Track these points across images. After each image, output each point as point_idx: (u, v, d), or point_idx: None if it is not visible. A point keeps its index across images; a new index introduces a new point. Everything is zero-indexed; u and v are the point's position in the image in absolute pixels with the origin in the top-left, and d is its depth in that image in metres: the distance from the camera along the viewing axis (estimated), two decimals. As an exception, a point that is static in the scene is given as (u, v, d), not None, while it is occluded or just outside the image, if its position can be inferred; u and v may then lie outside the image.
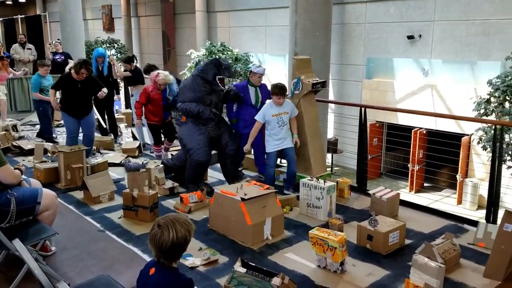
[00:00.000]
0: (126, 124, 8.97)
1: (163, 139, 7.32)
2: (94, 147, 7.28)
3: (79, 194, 5.71)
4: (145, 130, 7.75)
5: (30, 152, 7.28)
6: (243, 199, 4.36)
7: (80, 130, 6.90)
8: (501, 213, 4.41)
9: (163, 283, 2.26)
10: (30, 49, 13.30)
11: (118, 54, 18.31)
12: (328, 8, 7.12)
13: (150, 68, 7.88)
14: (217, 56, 13.10)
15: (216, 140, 5.78)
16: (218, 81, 5.53)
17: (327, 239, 3.79)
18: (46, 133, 8.30)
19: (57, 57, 11.45)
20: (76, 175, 5.96)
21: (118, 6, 21.96)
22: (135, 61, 8.51)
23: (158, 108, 6.89)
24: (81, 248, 4.36)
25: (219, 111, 5.84)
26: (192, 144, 5.61)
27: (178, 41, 19.27)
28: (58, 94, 7.02)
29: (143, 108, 6.96)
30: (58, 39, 11.79)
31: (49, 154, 7.19)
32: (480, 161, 10.06)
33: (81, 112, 6.72)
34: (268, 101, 5.74)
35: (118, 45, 18.72)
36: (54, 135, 8.53)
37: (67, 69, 11.19)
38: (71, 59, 11.37)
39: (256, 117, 5.59)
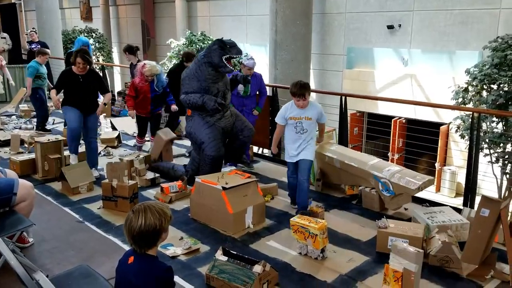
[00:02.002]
0: (105, 114, 8.85)
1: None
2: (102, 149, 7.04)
3: (57, 185, 5.63)
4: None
5: (7, 143, 7.13)
6: (224, 188, 4.35)
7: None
8: (478, 200, 4.49)
9: (142, 271, 2.23)
10: (4, 38, 12.96)
11: (97, 44, 18.01)
12: (309, -4, 7.10)
13: (130, 49, 7.71)
14: (197, 46, 12.98)
15: (227, 131, 5.39)
16: (225, 62, 5.09)
17: (308, 226, 3.81)
18: (44, 120, 8.27)
19: (33, 46, 11.19)
20: (53, 166, 5.87)
21: (96, -5, 21.58)
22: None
23: (146, 101, 6.60)
24: (59, 239, 4.30)
25: (227, 100, 5.42)
26: (202, 138, 5.22)
27: (158, 30, 19.03)
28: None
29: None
30: (33, 28, 11.52)
31: (26, 145, 7.06)
32: (458, 149, 10.21)
33: (86, 109, 5.89)
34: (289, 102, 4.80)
35: (96, 34, 18.38)
36: (31, 125, 8.38)
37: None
38: (48, 48, 11.12)
39: (276, 119, 4.81)
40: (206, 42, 13.23)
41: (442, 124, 10.56)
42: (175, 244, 4.11)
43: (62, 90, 5.93)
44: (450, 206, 4.73)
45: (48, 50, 8.67)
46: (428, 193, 8.91)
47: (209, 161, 5.19)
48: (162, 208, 2.31)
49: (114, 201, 4.87)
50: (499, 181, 8.04)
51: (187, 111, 5.44)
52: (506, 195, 5.86)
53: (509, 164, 7.71)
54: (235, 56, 5.13)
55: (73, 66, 5.80)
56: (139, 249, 2.27)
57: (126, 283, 2.27)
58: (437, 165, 10.55)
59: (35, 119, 8.99)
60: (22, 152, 6.75)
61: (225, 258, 3.57)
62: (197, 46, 13.11)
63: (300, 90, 4.51)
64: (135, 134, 7.30)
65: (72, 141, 5.95)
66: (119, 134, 7.53)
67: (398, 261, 3.34)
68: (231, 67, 5.14)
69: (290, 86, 4.59)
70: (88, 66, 5.80)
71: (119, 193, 4.81)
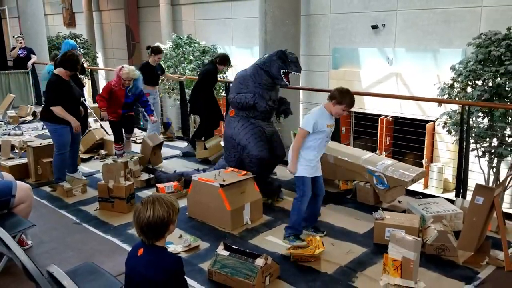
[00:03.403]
0: (95, 118, 8.81)
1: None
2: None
3: (50, 189, 5.60)
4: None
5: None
6: (221, 185, 4.39)
7: None
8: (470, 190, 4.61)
9: (152, 262, 2.26)
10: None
11: (81, 49, 17.89)
12: (297, -4, 7.21)
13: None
14: (183, 49, 13.00)
15: (267, 139, 5.12)
16: (283, 75, 4.92)
17: (311, 254, 3.79)
18: None
19: (19, 52, 11.10)
20: (47, 170, 5.84)
21: (79, 0, 21.45)
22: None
23: (117, 105, 6.29)
24: (58, 241, 4.30)
25: (275, 107, 5.25)
26: (247, 139, 4.99)
27: (143, 35, 18.98)
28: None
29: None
30: (20, 34, 11.44)
31: (17, 151, 7.01)
32: (444, 146, 10.39)
33: (77, 115, 5.50)
34: (318, 107, 4.19)
35: (80, 40, 18.27)
36: (20, 131, 8.32)
37: (29, 64, 10.95)
38: (34, 54, 11.08)
39: (303, 126, 4.06)
40: (192, 45, 13.25)
41: (428, 121, 10.74)
42: (174, 242, 4.13)
43: None
44: (444, 198, 4.83)
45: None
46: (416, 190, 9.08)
47: (256, 161, 4.97)
48: (171, 200, 2.35)
49: (110, 202, 4.87)
50: (486, 175, 8.20)
51: (230, 112, 5.24)
52: (498, 183, 6.00)
53: (496, 158, 7.88)
54: (292, 72, 4.95)
55: (59, 72, 5.30)
56: (147, 240, 2.31)
57: (136, 275, 2.30)
58: (424, 162, 10.71)
59: (23, 125, 8.93)
60: (12, 158, 6.69)
61: (226, 253, 3.61)
62: (184, 49, 13.12)
63: (352, 100, 4.03)
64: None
65: (63, 167, 5.57)
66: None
67: (397, 250, 3.42)
68: (287, 82, 4.97)
69: (337, 93, 4.00)
70: None
71: (115, 194, 4.82)
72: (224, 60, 6.74)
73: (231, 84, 5.28)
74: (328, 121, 4.07)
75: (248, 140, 4.99)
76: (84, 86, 6.56)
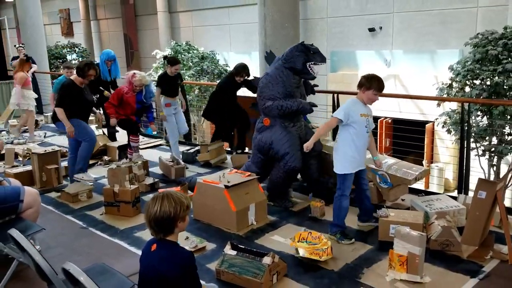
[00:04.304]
0: (96, 125, 8.86)
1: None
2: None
3: (56, 195, 5.64)
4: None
5: (1, 157, 7.10)
6: (226, 187, 4.44)
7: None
8: (471, 187, 4.66)
9: (165, 256, 2.32)
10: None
11: (80, 58, 17.99)
12: (295, 0, 7.29)
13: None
14: (183, 56, 13.08)
15: (302, 141, 4.91)
16: (309, 68, 4.81)
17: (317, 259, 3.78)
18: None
19: (19, 62, 11.16)
20: (52, 176, 5.89)
21: (77, 10, 21.59)
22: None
23: (129, 112, 6.40)
24: (65, 245, 4.34)
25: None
26: (286, 149, 4.85)
27: (141, 43, 19.10)
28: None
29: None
30: (22, 44, 11.52)
31: (20, 159, 7.06)
32: (444, 146, 10.46)
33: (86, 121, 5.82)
34: (351, 98, 4.18)
35: (79, 49, 18.39)
36: (22, 140, 8.36)
37: (29, 73, 10.99)
38: (35, 63, 11.12)
39: (334, 114, 4.14)
40: (191, 52, 13.34)
41: (427, 122, 10.81)
42: (181, 244, 4.11)
43: None
44: (446, 194, 4.89)
45: (72, 64, 8.38)
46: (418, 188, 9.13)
47: (291, 172, 4.89)
48: (180, 197, 2.39)
49: (116, 206, 4.91)
50: (486, 174, 8.27)
51: (264, 121, 5.04)
52: (501, 177, 6.05)
53: (496, 157, 7.94)
54: (319, 63, 4.86)
55: (75, 78, 5.54)
56: (155, 234, 2.38)
57: (150, 270, 2.34)
58: (424, 162, 10.77)
59: (26, 134, 8.97)
60: (16, 166, 6.73)
61: (234, 252, 3.65)
62: (182, 56, 13.21)
63: (381, 84, 4.01)
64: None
65: (89, 155, 5.87)
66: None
67: (402, 245, 3.47)
68: (315, 75, 4.89)
69: (363, 80, 4.02)
70: None
71: (121, 198, 4.86)
72: (240, 70, 6.50)
73: (258, 93, 5.12)
74: (361, 110, 4.04)
75: (287, 150, 4.86)
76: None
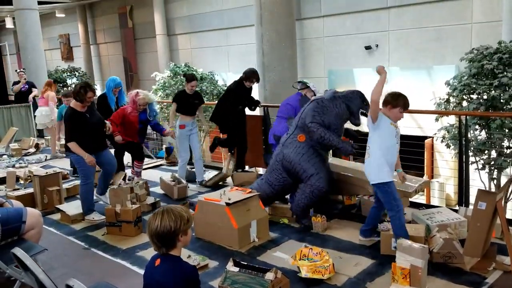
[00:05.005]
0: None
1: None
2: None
3: (57, 216, 5.66)
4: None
5: (2, 181, 7.13)
6: (227, 204, 4.45)
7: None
8: (472, 199, 4.67)
9: (168, 270, 2.33)
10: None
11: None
12: (292, 20, 7.42)
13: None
14: (182, 77, 13.19)
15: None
16: (360, 115, 4.97)
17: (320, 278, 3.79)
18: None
19: (21, 87, 11.28)
20: (53, 198, 5.90)
21: (76, 35, 21.86)
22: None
23: (133, 131, 6.27)
24: (68, 266, 4.34)
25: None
26: (317, 169, 4.83)
27: (140, 65, 19.28)
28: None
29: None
30: (23, 69, 11.65)
31: (22, 182, 7.08)
32: (444, 161, 10.48)
33: (98, 147, 5.45)
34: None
35: (79, 73, 18.55)
36: (24, 163, 8.40)
37: (30, 97, 11.11)
38: (35, 87, 11.26)
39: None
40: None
41: (426, 137, 10.86)
42: (184, 262, 4.16)
43: None
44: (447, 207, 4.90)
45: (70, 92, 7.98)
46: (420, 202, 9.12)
47: (319, 193, 4.84)
48: (180, 211, 2.41)
49: (118, 226, 4.91)
50: (487, 188, 8.26)
51: (299, 137, 4.94)
52: (500, 188, 6.05)
53: (495, 170, 7.95)
54: (365, 112, 4.92)
55: (74, 105, 5.25)
56: (158, 249, 2.40)
57: (153, 284, 2.36)
58: (425, 178, 10.77)
59: (26, 157, 9.01)
60: (18, 189, 6.74)
61: (236, 269, 3.64)
62: (181, 77, 13.33)
63: (407, 103, 4.09)
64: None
65: (90, 196, 5.48)
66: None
67: (404, 258, 3.47)
68: (360, 122, 5.01)
69: (390, 98, 4.08)
70: None
71: (123, 218, 4.87)
72: (249, 75, 6.30)
73: (305, 108, 5.03)
74: (392, 121, 4.08)
75: (317, 171, 4.82)
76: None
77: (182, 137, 6.61)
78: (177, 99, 6.59)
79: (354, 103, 4.87)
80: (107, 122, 5.70)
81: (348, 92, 4.98)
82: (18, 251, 2.66)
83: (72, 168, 7.35)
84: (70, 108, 5.31)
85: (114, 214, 4.91)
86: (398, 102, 4.02)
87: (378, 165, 4.03)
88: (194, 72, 13.54)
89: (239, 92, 6.33)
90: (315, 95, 5.65)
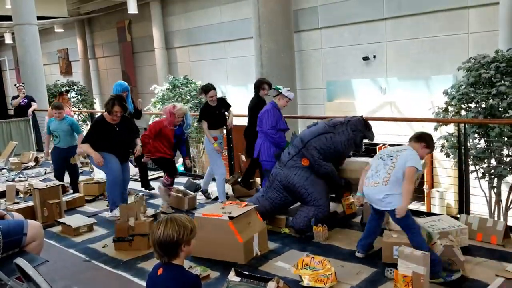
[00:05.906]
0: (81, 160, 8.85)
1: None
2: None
3: (57, 229, 5.64)
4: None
5: (2, 195, 7.12)
6: (231, 218, 4.37)
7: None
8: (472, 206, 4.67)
9: (170, 279, 2.32)
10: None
11: (79, 96, 18.21)
12: (290, 31, 7.50)
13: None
14: (180, 90, 13.26)
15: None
16: (363, 143, 5.08)
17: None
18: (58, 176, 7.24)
19: (20, 101, 11.31)
20: (53, 211, 5.89)
21: (75, 49, 21.99)
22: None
23: (167, 146, 6.03)
24: (69, 278, 4.32)
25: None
26: (318, 193, 4.89)
27: (139, 79, 19.37)
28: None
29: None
30: (22, 83, 11.70)
31: (21, 195, 7.07)
32: (444, 171, 10.49)
33: (121, 158, 5.70)
34: (409, 148, 4.08)
35: (78, 87, 18.62)
36: (24, 177, 8.39)
37: (29, 111, 11.14)
38: (34, 101, 11.29)
39: (416, 164, 3.94)
40: (189, 86, 13.53)
41: (425, 147, 10.87)
42: (185, 273, 4.14)
43: None
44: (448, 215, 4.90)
45: (59, 104, 7.23)
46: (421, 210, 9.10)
47: (322, 216, 4.88)
48: (184, 222, 2.39)
49: (128, 241, 4.80)
50: (487, 196, 8.26)
51: (303, 161, 4.96)
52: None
53: (495, 179, 7.96)
54: (371, 140, 5.15)
55: (105, 115, 5.46)
56: (160, 258, 2.39)
57: (156, 294, 2.35)
58: (425, 188, 10.78)
59: (26, 171, 9.01)
60: (18, 202, 6.73)
61: (238, 279, 3.62)
62: (180, 90, 13.40)
63: None
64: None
65: (114, 190, 5.64)
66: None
67: (406, 265, 3.47)
68: (363, 149, 5.19)
69: (428, 138, 4.13)
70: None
71: (137, 231, 4.78)
72: (258, 85, 6.15)
73: (313, 127, 5.10)
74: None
75: (321, 195, 4.90)
76: (138, 131, 6.21)
77: (215, 152, 6.12)
78: (205, 116, 6.07)
79: (358, 137, 5.00)
80: (138, 143, 5.75)
81: (355, 123, 5.04)
82: (20, 261, 2.66)
83: (70, 180, 7.30)
84: (101, 115, 5.65)
85: (126, 228, 4.82)
86: (431, 145, 4.16)
87: (400, 194, 3.95)
88: (193, 85, 13.64)
89: (260, 106, 6.01)
90: (290, 100, 5.67)
